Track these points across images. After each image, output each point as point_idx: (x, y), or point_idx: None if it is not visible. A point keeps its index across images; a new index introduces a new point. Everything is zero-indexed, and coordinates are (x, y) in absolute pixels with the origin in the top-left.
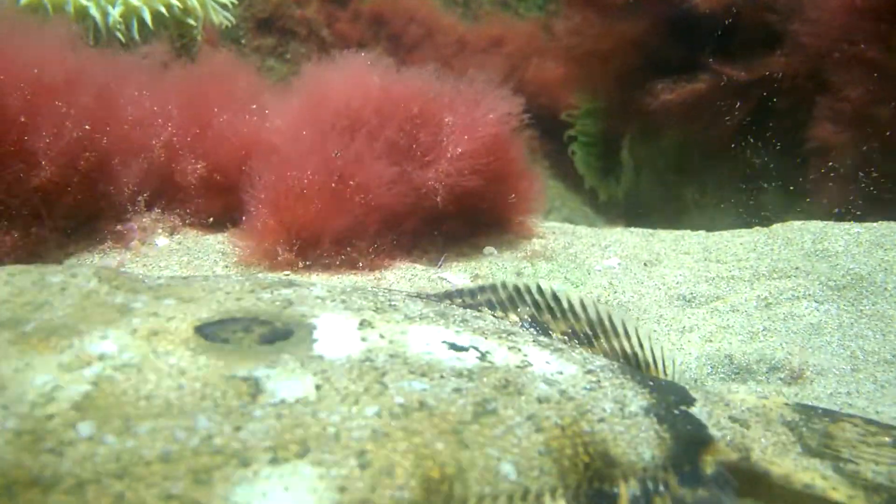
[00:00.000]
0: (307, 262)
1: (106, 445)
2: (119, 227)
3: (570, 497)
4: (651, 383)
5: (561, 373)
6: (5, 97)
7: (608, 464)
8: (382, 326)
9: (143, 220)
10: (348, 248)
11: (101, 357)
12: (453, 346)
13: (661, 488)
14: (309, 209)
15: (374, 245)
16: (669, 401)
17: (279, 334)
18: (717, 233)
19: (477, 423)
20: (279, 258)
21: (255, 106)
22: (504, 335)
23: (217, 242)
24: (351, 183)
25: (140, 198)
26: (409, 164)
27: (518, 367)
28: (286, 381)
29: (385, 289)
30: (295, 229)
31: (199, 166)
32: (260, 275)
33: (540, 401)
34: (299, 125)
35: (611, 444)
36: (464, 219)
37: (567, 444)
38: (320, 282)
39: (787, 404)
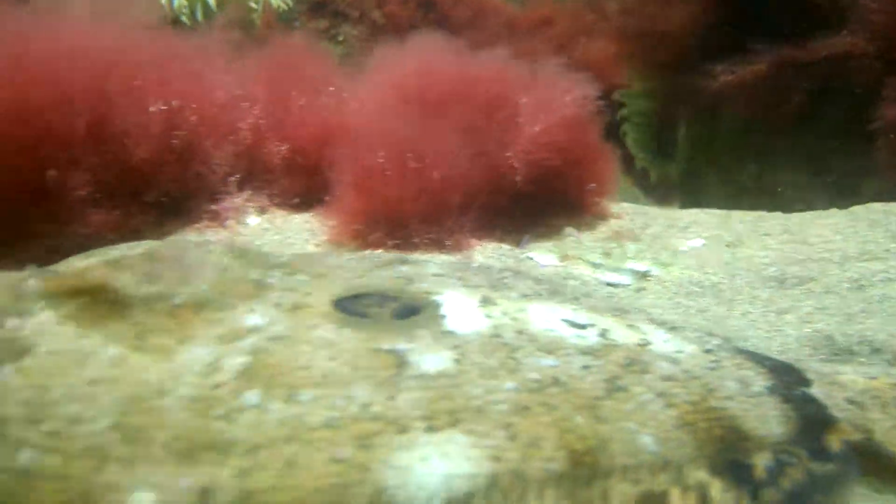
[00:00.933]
0: (396, 242)
1: (272, 412)
2: (214, 207)
3: (709, 467)
4: (767, 363)
5: (681, 351)
6: (103, 79)
7: (741, 438)
8: (503, 304)
9: (236, 199)
10: (435, 228)
11: (254, 330)
12: (573, 324)
13: (794, 460)
14: (394, 190)
15: (458, 225)
16: (788, 381)
17: (409, 310)
18: (795, 214)
19: (610, 399)
20: (369, 238)
21: (332, 88)
22: (619, 313)
23: (304, 222)
24: (433, 164)
25: (231, 178)
26: (487, 144)
27: (639, 345)
28: (426, 355)
29: (482, 265)
30: (381, 210)
31: (282, 148)
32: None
33: (666, 379)
34: (378, 107)
35: (741, 420)
36: (541, 199)
37: (700, 418)
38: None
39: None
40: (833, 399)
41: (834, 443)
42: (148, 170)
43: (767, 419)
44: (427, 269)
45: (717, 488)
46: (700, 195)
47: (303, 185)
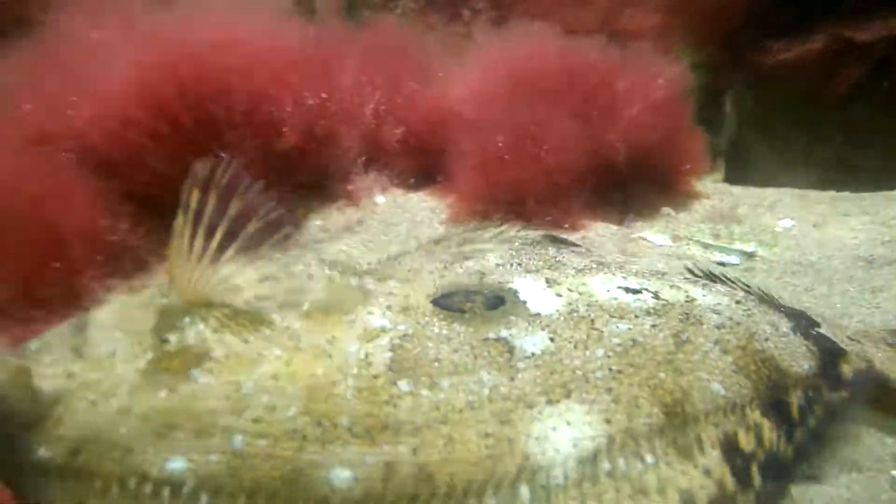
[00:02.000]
0: (517, 221)
1: (423, 398)
2: (349, 187)
3: (762, 407)
4: (783, 309)
5: (719, 304)
6: (256, 74)
7: (782, 375)
8: (565, 282)
9: (365, 181)
10: (552, 209)
11: (384, 329)
12: (629, 290)
13: (817, 396)
14: (513, 173)
15: (571, 206)
16: (804, 323)
17: (495, 301)
18: (867, 195)
19: (681, 352)
20: (490, 218)
21: (441, 74)
22: (659, 276)
23: (420, 201)
24: (545, 147)
25: (359, 160)
26: (591, 128)
27: (687, 301)
28: (527, 338)
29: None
30: (501, 192)
31: (398, 131)
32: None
33: (718, 327)
34: (487, 93)
35: (779, 360)
36: (638, 179)
37: (749, 361)
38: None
39: (881, 329)
40: (838, 336)
41: (847, 371)
42: (295, 155)
43: (797, 356)
44: (490, 260)
45: (766, 428)
46: (746, 167)
47: (416, 167)
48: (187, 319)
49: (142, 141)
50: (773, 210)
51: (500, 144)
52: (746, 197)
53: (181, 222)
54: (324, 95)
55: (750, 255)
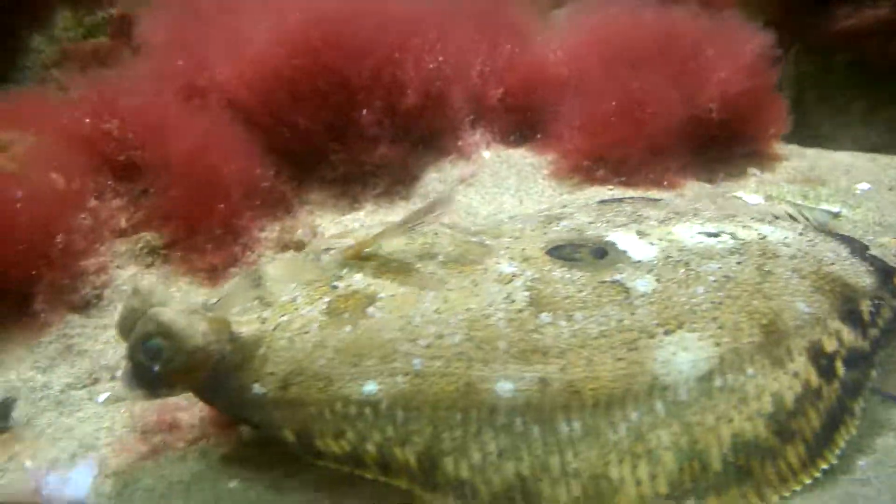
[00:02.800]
0: (620, 179)
1: (563, 328)
2: (460, 143)
3: (839, 317)
4: (837, 237)
5: (787, 237)
6: (383, 39)
7: (851, 290)
8: (653, 233)
9: (473, 137)
10: (652, 168)
11: (515, 275)
12: (710, 234)
13: (882, 303)
14: (616, 133)
15: (669, 164)
16: (857, 247)
17: (600, 251)
18: None
19: (766, 282)
20: (595, 174)
21: (539, 38)
22: (730, 218)
23: (521, 157)
24: (649, 109)
25: (467, 118)
26: (684, 90)
27: (760, 238)
28: (638, 281)
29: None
30: (604, 150)
31: (499, 91)
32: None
33: (791, 258)
34: (584, 57)
35: (846, 278)
36: (727, 142)
37: (823, 282)
38: (570, 209)
39: None
40: (886, 257)
41: None
42: (415, 113)
43: (860, 274)
44: (579, 218)
45: (845, 332)
46: (810, 130)
47: (515, 124)
48: (346, 270)
49: (283, 99)
50: (848, 173)
51: (608, 106)
52: (820, 159)
53: None
54: (441, 59)
55: (835, 216)
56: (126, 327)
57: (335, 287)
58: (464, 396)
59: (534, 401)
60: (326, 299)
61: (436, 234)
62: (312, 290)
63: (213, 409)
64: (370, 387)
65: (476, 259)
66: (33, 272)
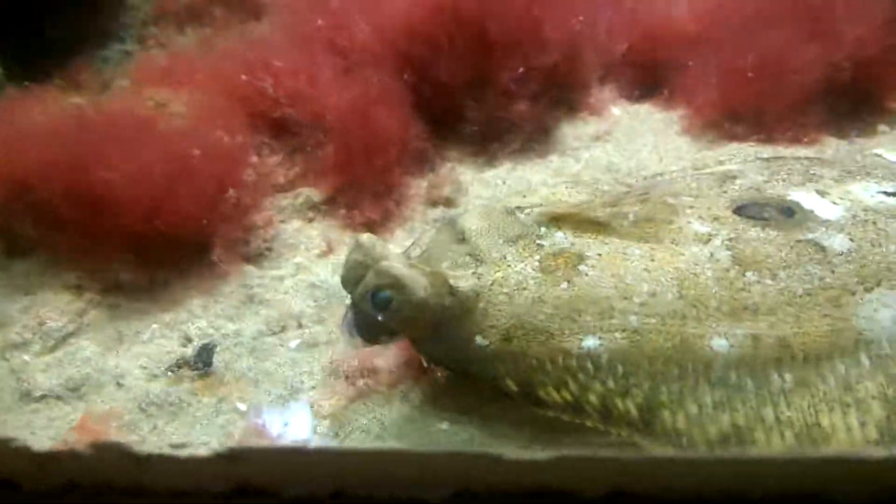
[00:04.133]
0: (759, 137)
1: (768, 286)
2: (591, 100)
3: None
4: None
5: None
6: None
7: None
8: (832, 192)
9: (602, 93)
10: (790, 125)
11: (710, 234)
12: (888, 193)
13: None
14: (753, 89)
15: (806, 121)
16: None
17: (786, 210)
18: None
19: None
20: (731, 131)
21: None
22: None
23: (650, 113)
24: (785, 65)
25: (595, 75)
26: (818, 47)
27: None
28: (833, 239)
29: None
30: (741, 107)
31: (623, 47)
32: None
33: None
34: (715, 13)
35: None
36: (859, 98)
37: None
38: (737, 167)
39: None
40: None
41: None
42: (549, 71)
43: None
44: (752, 178)
45: None
46: None
47: (639, 80)
48: (544, 229)
49: (424, 56)
50: None
51: (745, 62)
52: None
53: None
54: (581, 18)
55: None
56: (352, 279)
57: (541, 245)
58: (680, 351)
59: (747, 355)
60: (537, 256)
61: (612, 190)
62: (521, 247)
63: (427, 357)
64: (590, 342)
65: (665, 219)
66: (211, 226)
